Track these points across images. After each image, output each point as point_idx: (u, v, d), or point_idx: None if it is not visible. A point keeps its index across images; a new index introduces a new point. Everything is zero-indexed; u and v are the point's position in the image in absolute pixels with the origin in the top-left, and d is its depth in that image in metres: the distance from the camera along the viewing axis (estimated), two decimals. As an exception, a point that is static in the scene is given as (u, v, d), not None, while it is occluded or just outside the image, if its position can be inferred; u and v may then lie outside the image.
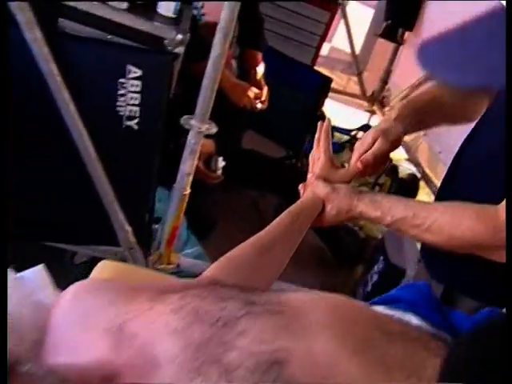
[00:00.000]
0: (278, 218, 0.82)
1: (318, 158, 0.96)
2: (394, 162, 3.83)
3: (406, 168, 3.64)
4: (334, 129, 3.46)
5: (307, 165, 1.00)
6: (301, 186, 0.96)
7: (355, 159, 0.92)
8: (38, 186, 1.48)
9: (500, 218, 0.68)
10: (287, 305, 0.54)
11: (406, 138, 3.76)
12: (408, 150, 3.41)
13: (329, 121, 0.97)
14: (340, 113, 4.24)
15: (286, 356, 0.48)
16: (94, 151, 1.41)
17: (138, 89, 1.40)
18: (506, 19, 0.54)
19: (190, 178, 1.54)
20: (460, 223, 0.71)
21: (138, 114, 1.43)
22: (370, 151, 0.91)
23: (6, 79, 0.63)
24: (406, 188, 3.16)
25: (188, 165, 1.51)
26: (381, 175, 3.25)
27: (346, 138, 3.42)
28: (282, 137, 2.69)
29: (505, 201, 0.69)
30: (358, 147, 0.94)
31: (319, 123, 0.97)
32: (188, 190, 1.56)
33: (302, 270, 2.30)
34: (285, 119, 2.59)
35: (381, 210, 0.80)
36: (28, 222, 1.47)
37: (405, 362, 0.46)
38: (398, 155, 4.01)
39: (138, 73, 1.36)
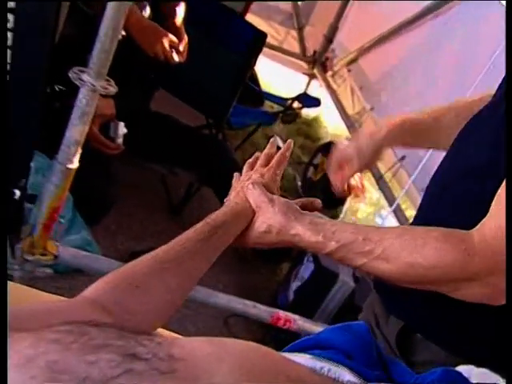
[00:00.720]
0: (192, 228, 0.76)
1: (261, 165, 0.93)
2: (331, 138, 3.92)
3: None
4: (266, 96, 3.43)
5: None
6: (235, 179, 0.92)
7: (333, 179, 1.07)
8: None
9: (473, 240, 0.67)
10: (181, 360, 0.47)
11: (351, 112, 3.82)
12: (351, 126, 3.49)
13: (290, 144, 0.95)
14: (274, 75, 4.23)
15: None
16: None
17: (8, 25, 1.27)
18: (506, 19, 0.52)
19: (79, 149, 1.44)
20: (423, 245, 0.69)
21: (8, 59, 1.30)
22: (342, 180, 1.06)
23: None
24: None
25: (76, 131, 1.40)
26: (316, 155, 3.30)
27: (278, 107, 3.42)
28: (202, 101, 2.61)
29: (480, 224, 0.68)
30: (332, 166, 1.07)
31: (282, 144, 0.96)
32: (75, 164, 1.46)
33: (220, 266, 2.28)
34: (207, 79, 2.51)
35: (323, 233, 0.76)
36: None
37: None
38: (337, 130, 4.11)
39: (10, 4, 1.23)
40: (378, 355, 0.58)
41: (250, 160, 0.96)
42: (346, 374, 0.51)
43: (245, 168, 0.94)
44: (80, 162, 1.48)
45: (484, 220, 0.68)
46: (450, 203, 0.81)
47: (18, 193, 1.45)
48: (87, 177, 1.58)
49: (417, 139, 1.06)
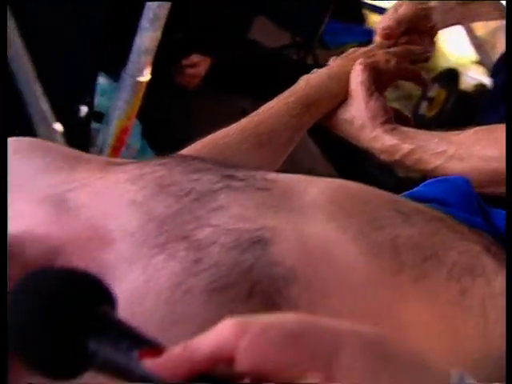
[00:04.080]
0: (282, 101, 0.91)
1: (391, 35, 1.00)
2: (454, 66, 3.94)
3: (471, 77, 3.74)
4: (370, 8, 3.50)
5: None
6: (333, 59, 1.00)
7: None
8: None
9: None
10: (275, 182, 0.66)
11: (480, 29, 3.77)
12: (479, 48, 3.49)
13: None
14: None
15: (271, 236, 0.59)
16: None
17: None
18: (506, 19, 0.62)
19: (149, 59, 1.64)
20: (497, 137, 0.78)
21: None
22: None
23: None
24: (469, 105, 3.24)
25: (148, 37, 1.60)
26: (431, 87, 3.34)
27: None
28: (286, 15, 2.74)
29: None
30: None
31: None
32: (146, 76, 1.66)
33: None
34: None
35: (398, 136, 0.88)
36: None
37: (422, 244, 0.58)
38: (462, 56, 4.11)
39: None
40: (477, 205, 0.73)
41: (387, 26, 1.00)
42: None
43: (378, 37, 1.02)
44: (152, 88, 1.69)
45: None
46: None
47: (84, 109, 1.68)
48: (160, 106, 1.79)
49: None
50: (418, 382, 0.42)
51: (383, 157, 0.93)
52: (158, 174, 0.66)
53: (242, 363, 0.41)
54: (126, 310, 0.55)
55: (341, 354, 0.40)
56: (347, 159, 2.50)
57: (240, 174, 0.66)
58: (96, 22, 1.67)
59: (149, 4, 1.56)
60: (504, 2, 0.75)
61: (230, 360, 0.41)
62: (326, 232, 0.60)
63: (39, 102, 1.60)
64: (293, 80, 0.96)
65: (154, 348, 0.45)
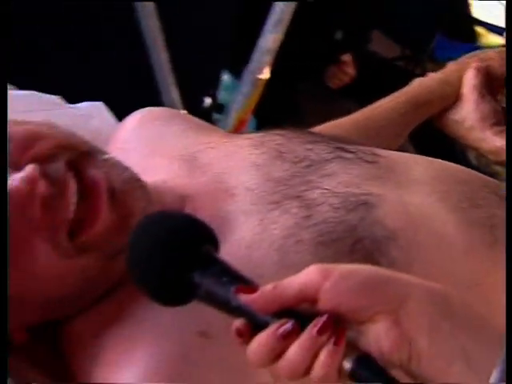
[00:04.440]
0: (395, 100, 0.96)
1: None
2: None
3: None
4: (484, 26, 3.47)
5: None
6: (449, 64, 1.01)
7: None
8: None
9: None
10: (383, 157, 0.73)
11: None
12: None
13: None
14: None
15: (376, 201, 0.66)
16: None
17: None
18: (506, 19, 0.68)
19: (270, 59, 1.79)
20: None
21: None
22: None
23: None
24: None
25: (270, 39, 1.75)
26: None
27: (498, 40, 3.43)
28: (398, 27, 2.81)
29: None
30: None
31: None
32: (266, 74, 1.81)
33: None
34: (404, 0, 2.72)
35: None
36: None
37: None
38: None
39: None
40: None
41: None
42: None
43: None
44: (269, 88, 1.84)
45: None
46: None
47: (208, 101, 1.86)
48: (274, 103, 1.93)
49: None
50: (474, 339, 0.47)
51: (491, 157, 0.95)
52: (278, 142, 0.76)
53: (324, 303, 0.46)
54: (243, 253, 0.65)
55: (408, 302, 0.45)
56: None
57: (350, 147, 0.74)
58: (225, 23, 1.85)
59: (274, 7, 1.71)
60: (504, 2, 0.81)
61: (313, 300, 0.47)
62: (427, 203, 0.67)
63: (171, 90, 1.78)
64: (400, 88, 0.97)
65: (249, 284, 0.50)
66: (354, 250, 0.63)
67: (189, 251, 0.52)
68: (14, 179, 0.63)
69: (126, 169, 0.71)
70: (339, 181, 0.70)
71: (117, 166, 0.71)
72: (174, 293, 0.53)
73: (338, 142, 0.77)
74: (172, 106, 1.80)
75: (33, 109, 0.89)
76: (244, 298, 0.48)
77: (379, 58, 2.72)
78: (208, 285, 0.50)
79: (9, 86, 1.14)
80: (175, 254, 0.52)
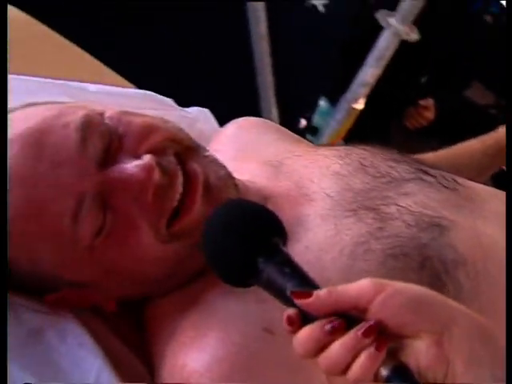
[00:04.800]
0: (479, 143, 1.02)
1: None
2: None
3: None
4: None
5: None
6: None
7: None
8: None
9: None
10: (463, 186, 0.74)
11: None
12: None
13: None
14: None
15: (449, 225, 0.67)
16: (264, 25, 1.82)
17: None
18: (506, 19, 0.73)
19: (367, 91, 1.91)
20: None
21: None
22: None
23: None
24: None
25: (369, 72, 1.87)
26: None
27: None
28: (493, 74, 2.85)
29: None
30: None
31: None
32: (360, 105, 1.93)
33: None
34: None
35: None
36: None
37: None
38: None
39: None
40: None
41: None
42: None
43: None
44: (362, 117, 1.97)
45: None
46: None
47: (303, 122, 1.99)
48: (363, 133, 2.02)
49: None
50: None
51: None
52: (362, 155, 0.79)
53: (373, 314, 0.47)
54: (314, 254, 0.67)
55: (453, 326, 0.47)
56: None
57: (432, 171, 0.76)
58: (329, 53, 1.98)
59: (377, 44, 1.83)
60: (504, 2, 0.85)
61: (363, 310, 0.48)
62: (498, 236, 0.68)
63: (271, 108, 1.93)
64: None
65: (306, 285, 0.51)
66: (422, 267, 0.64)
67: (259, 237, 0.54)
68: (133, 166, 0.67)
69: (223, 167, 0.75)
70: (416, 201, 0.71)
71: (215, 163, 0.75)
72: (238, 272, 0.55)
73: (421, 164, 0.79)
74: (268, 119, 1.94)
75: (148, 106, 0.91)
76: (300, 303, 0.49)
77: (472, 103, 2.78)
78: (270, 272, 0.52)
79: (128, 85, 1.31)
80: (247, 237, 0.54)
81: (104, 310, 0.77)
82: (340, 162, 0.78)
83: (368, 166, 0.77)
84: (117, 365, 0.73)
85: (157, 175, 0.66)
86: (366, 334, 0.46)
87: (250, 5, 1.81)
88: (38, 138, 0.68)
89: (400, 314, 0.47)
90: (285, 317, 0.49)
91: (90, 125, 0.69)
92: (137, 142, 0.70)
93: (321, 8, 1.79)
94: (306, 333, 0.48)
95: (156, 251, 0.69)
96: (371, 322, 0.47)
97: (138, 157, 0.68)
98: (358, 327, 0.47)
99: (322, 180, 0.76)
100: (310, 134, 2.06)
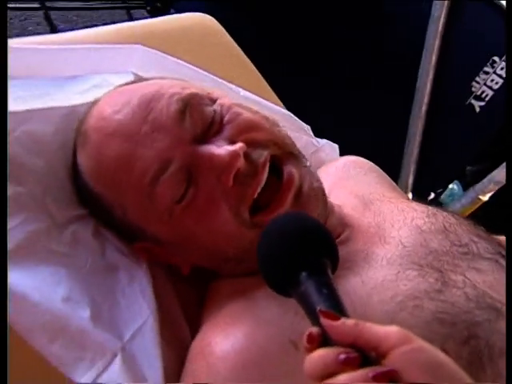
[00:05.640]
0: None
1: None
2: None
3: None
4: None
5: None
6: None
7: None
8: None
9: None
10: None
11: None
12: None
13: None
14: None
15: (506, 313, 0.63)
16: (425, 109, 2.04)
17: (503, 74, 1.84)
18: (506, 19, 0.76)
19: (496, 188, 2.06)
20: None
21: (487, 99, 1.94)
22: None
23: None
24: None
25: (503, 173, 2.01)
26: None
27: None
28: None
29: None
30: None
31: None
32: (485, 197, 2.10)
33: None
34: None
35: None
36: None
37: None
38: None
39: None
40: None
41: None
42: None
43: None
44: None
45: None
46: None
47: (432, 195, 2.21)
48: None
49: None
50: None
51: None
52: (449, 220, 0.79)
53: (391, 361, 0.46)
54: (366, 291, 0.67)
55: None
56: None
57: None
58: (475, 143, 2.10)
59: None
60: (504, 2, 0.89)
61: (382, 354, 0.47)
62: None
63: (409, 172, 2.15)
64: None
65: (340, 306, 0.51)
66: (465, 343, 0.62)
67: (309, 252, 0.54)
68: (223, 148, 0.69)
69: (319, 181, 0.78)
70: (485, 279, 0.70)
71: (313, 175, 0.77)
72: (279, 277, 0.55)
73: (503, 248, 0.77)
74: (403, 183, 2.16)
75: (285, 125, 0.91)
76: (325, 322, 0.49)
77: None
78: (308, 287, 0.52)
79: (280, 104, 1.33)
80: (298, 248, 0.54)
81: (179, 271, 0.81)
82: (426, 219, 0.80)
83: (451, 231, 0.78)
84: (166, 322, 0.77)
85: (241, 162, 0.69)
86: (378, 378, 0.45)
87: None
88: (149, 103, 0.72)
89: (417, 371, 0.46)
90: (307, 333, 0.50)
91: (193, 102, 0.73)
92: (237, 132, 0.73)
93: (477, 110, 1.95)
94: (320, 354, 0.48)
95: (234, 231, 0.72)
96: (388, 369, 0.46)
97: (232, 144, 0.71)
98: (372, 368, 0.46)
99: (403, 228, 0.78)
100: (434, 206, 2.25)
